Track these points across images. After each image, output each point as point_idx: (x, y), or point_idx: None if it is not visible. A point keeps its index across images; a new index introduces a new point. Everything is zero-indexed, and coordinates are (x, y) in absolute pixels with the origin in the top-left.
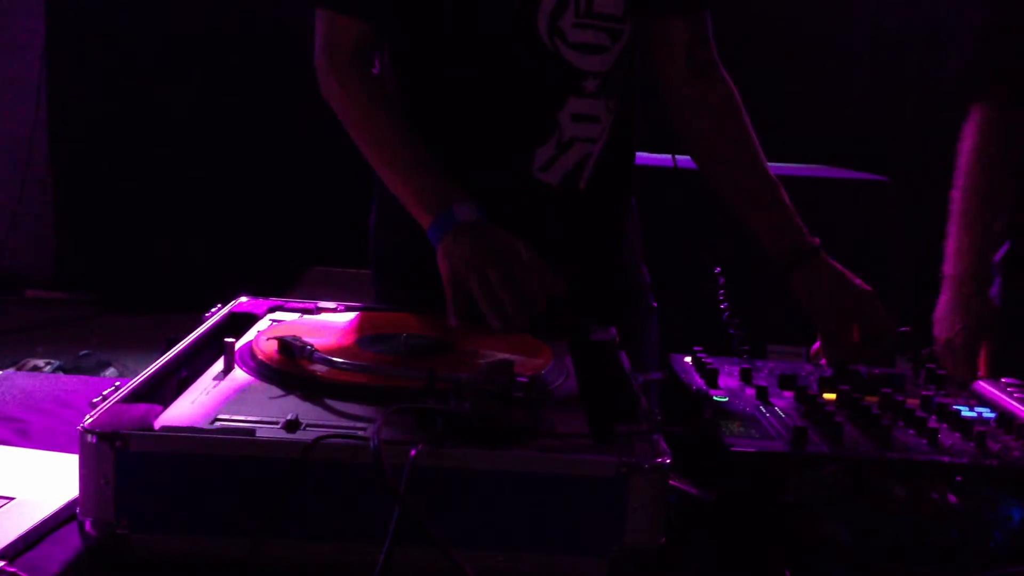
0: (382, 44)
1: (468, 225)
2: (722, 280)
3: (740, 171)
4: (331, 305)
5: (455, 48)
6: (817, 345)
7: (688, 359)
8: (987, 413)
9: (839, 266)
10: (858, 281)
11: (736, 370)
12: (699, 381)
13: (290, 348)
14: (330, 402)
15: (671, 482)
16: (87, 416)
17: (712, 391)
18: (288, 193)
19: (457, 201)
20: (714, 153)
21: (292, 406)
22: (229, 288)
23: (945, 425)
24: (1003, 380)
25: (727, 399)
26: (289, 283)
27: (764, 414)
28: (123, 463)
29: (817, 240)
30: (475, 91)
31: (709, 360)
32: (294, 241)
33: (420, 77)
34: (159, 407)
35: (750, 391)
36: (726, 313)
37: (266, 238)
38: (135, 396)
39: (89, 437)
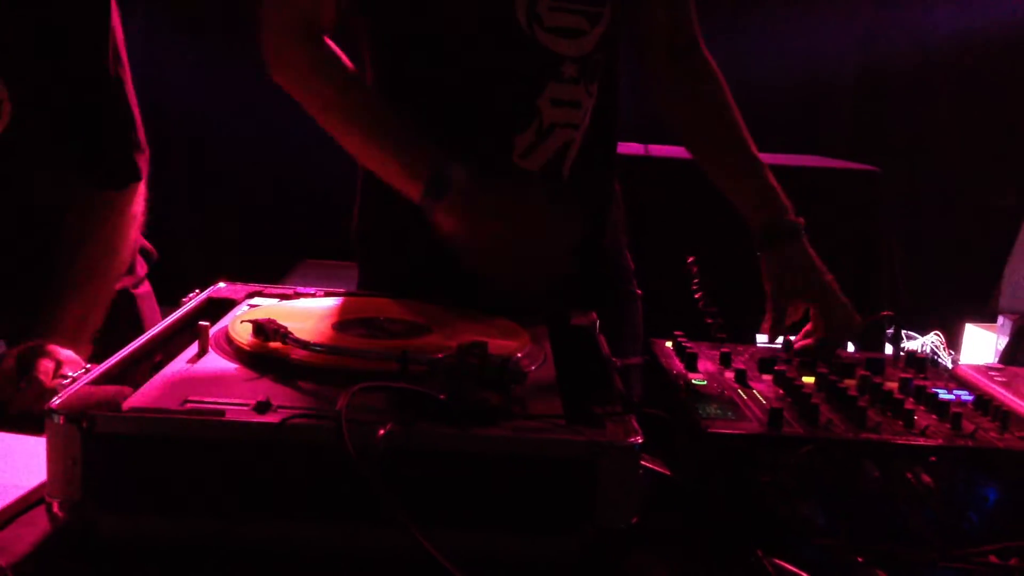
0: (337, 24)
1: (466, 183)
2: (695, 269)
3: (724, 149)
4: (310, 291)
5: (432, 34)
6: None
7: (669, 344)
8: (965, 396)
9: (813, 254)
10: (827, 275)
11: (716, 354)
12: (678, 365)
13: (264, 331)
14: (304, 385)
15: (645, 463)
16: (55, 397)
17: (691, 374)
18: (281, 186)
19: (446, 162)
20: (698, 133)
21: (265, 389)
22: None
23: (922, 407)
24: (986, 364)
25: (705, 382)
26: (281, 276)
27: (742, 397)
28: (90, 444)
29: (801, 220)
30: (453, 77)
31: (689, 344)
32: (287, 235)
33: (397, 64)
34: (129, 389)
35: (729, 374)
36: (701, 302)
37: (259, 232)
38: (105, 378)
39: (56, 418)
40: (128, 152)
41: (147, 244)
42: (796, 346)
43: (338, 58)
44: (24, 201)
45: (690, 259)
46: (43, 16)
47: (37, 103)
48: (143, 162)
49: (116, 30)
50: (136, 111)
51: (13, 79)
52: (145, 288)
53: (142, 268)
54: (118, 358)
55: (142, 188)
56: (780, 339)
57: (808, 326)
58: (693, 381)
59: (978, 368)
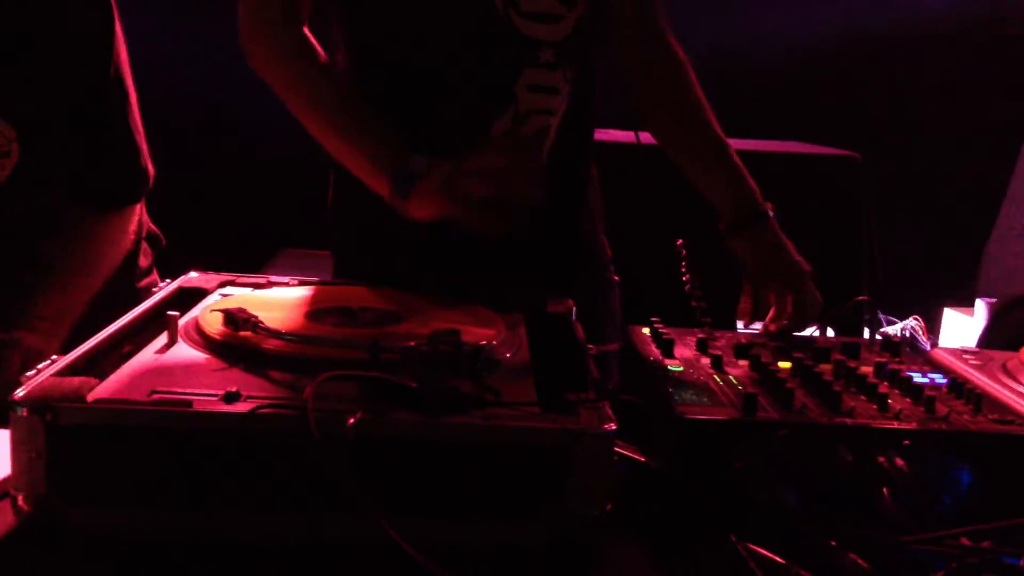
0: (313, 10)
1: (429, 171)
2: (684, 252)
3: (690, 135)
4: (284, 280)
5: (407, 20)
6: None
7: (646, 330)
8: (939, 379)
9: (783, 237)
10: (797, 256)
11: (693, 340)
12: (655, 351)
13: (235, 320)
14: (275, 375)
15: (620, 450)
16: (19, 389)
17: (668, 361)
18: (262, 174)
19: (407, 154)
20: (664, 119)
21: (235, 379)
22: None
23: (896, 391)
24: (959, 347)
25: (682, 368)
26: (261, 265)
27: (717, 382)
28: (54, 436)
29: (771, 206)
30: (429, 63)
31: (666, 331)
32: (266, 224)
33: (373, 49)
34: (95, 380)
35: (705, 360)
36: (688, 285)
37: (237, 221)
38: (71, 369)
39: (19, 409)
40: (129, 180)
41: (155, 229)
42: (772, 328)
43: (312, 47)
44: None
45: (679, 241)
46: (48, 59)
47: (44, 142)
48: (144, 184)
49: (122, 59)
50: (141, 137)
51: (20, 122)
52: (152, 279)
53: (146, 259)
54: (84, 349)
55: (139, 206)
56: (758, 324)
57: (772, 311)
58: (669, 367)
59: (953, 351)
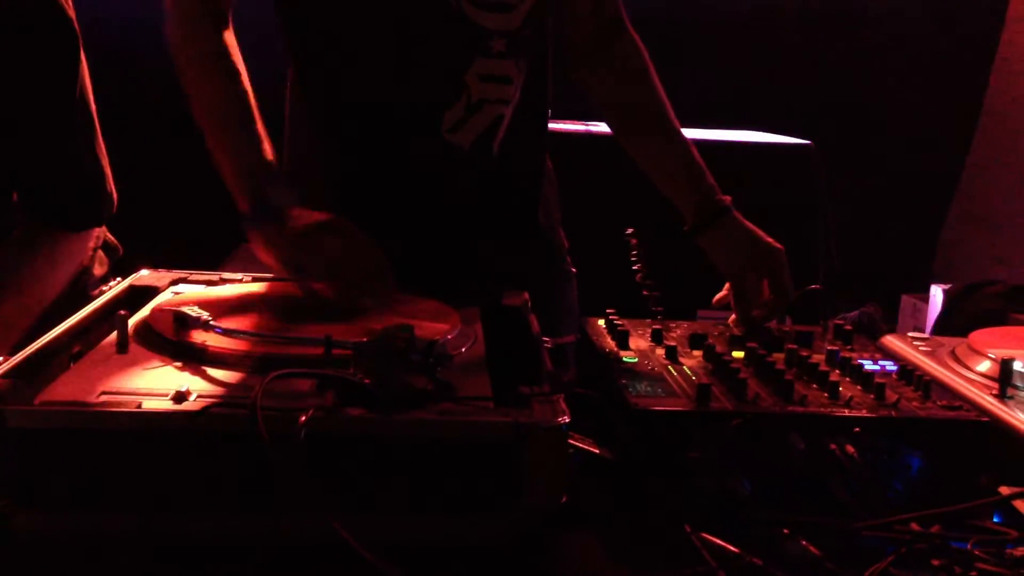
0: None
1: (282, 212)
2: (634, 241)
3: (648, 131)
4: (236, 276)
5: (358, 8)
6: (719, 296)
7: (601, 322)
8: (890, 366)
9: (749, 224)
10: (768, 239)
11: (648, 331)
12: (610, 343)
13: (185, 319)
14: (226, 373)
15: (575, 442)
16: None
17: (622, 352)
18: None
19: (272, 184)
20: (621, 113)
21: (186, 379)
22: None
23: (847, 379)
24: (910, 334)
25: (636, 360)
26: (217, 262)
27: (672, 373)
28: (1, 439)
29: (728, 199)
30: (379, 51)
31: (621, 322)
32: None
33: (322, 38)
34: (43, 382)
35: (660, 351)
36: (639, 275)
37: (196, 216)
38: (17, 371)
39: None
40: (93, 204)
41: (112, 239)
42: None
43: (223, 52)
44: None
45: (628, 230)
46: (10, 85)
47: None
48: (108, 209)
49: (86, 84)
50: (106, 162)
51: None
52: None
53: (101, 267)
54: (32, 350)
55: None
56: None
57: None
58: (624, 358)
59: (903, 338)
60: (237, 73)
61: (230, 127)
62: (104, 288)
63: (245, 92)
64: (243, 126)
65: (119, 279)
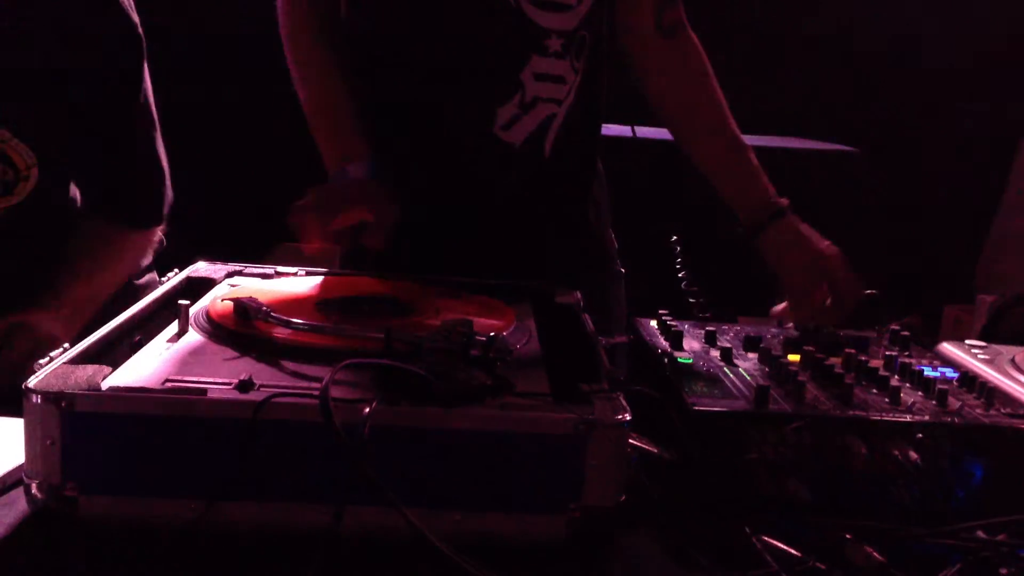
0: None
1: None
2: (678, 249)
3: (707, 132)
4: (291, 270)
5: (417, 4)
6: (777, 308)
7: (653, 323)
8: (950, 373)
9: (807, 227)
10: (826, 242)
11: (701, 333)
12: (663, 343)
13: (245, 309)
14: (286, 364)
15: (633, 441)
16: (32, 376)
17: (677, 353)
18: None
19: (355, 159)
20: (681, 115)
21: (247, 368)
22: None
23: (908, 384)
24: (967, 342)
25: (691, 360)
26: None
27: (727, 375)
28: (69, 424)
29: (785, 201)
30: (437, 45)
31: (674, 323)
32: (263, 220)
33: (382, 30)
34: (108, 368)
35: (714, 353)
36: (684, 281)
37: (238, 216)
38: (83, 357)
39: (34, 397)
40: (155, 203)
41: None
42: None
43: (324, 53)
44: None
45: (673, 238)
46: (80, 93)
47: (65, 168)
48: (166, 208)
49: (148, 89)
50: (165, 163)
51: (43, 149)
52: (151, 277)
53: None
54: (97, 337)
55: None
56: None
57: (784, 305)
58: (679, 359)
59: (960, 345)
60: (333, 69)
61: (326, 118)
62: (163, 277)
63: (340, 88)
64: (336, 117)
65: (176, 270)
